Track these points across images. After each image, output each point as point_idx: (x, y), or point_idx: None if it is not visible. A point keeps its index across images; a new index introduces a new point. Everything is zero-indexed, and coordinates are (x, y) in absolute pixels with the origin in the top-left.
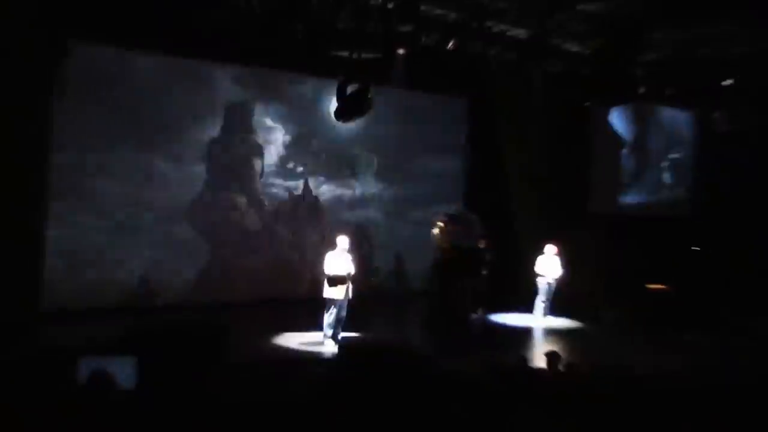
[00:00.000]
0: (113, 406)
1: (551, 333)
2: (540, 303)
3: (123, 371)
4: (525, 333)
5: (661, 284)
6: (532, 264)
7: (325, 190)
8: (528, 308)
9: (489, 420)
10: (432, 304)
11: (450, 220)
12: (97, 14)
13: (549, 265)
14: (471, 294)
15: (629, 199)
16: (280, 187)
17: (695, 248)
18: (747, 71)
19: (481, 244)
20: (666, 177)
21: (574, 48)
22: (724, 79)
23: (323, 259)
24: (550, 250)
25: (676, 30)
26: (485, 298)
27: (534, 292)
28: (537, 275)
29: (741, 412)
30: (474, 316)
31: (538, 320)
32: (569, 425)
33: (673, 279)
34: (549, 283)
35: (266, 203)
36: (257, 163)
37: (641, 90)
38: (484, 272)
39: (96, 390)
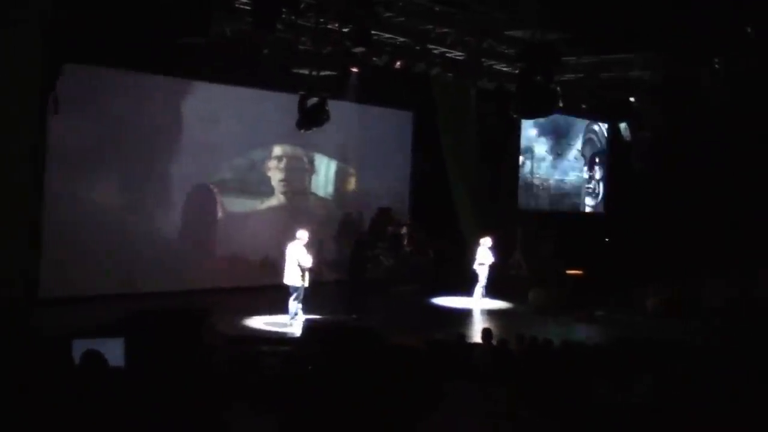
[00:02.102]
0: (104, 382)
1: (487, 313)
2: (478, 288)
3: (112, 351)
4: (465, 313)
5: (578, 270)
6: (472, 255)
7: (286, 188)
8: (468, 293)
9: (430, 386)
10: (352, 279)
11: (380, 211)
12: (89, 38)
13: (484, 255)
14: (390, 270)
15: (551, 197)
16: (246, 186)
17: (606, 239)
18: (643, 90)
19: (403, 230)
20: (580, 178)
21: (503, 68)
22: (627, 97)
23: (285, 251)
24: (486, 242)
25: (587, 56)
26: (405, 274)
27: (474, 278)
28: (475, 264)
29: (643, 372)
30: (393, 288)
31: (476, 302)
32: (500, 391)
33: (588, 265)
34: (484, 269)
35: (235, 201)
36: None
37: (560, 104)
38: (403, 252)
39: (88, 368)
